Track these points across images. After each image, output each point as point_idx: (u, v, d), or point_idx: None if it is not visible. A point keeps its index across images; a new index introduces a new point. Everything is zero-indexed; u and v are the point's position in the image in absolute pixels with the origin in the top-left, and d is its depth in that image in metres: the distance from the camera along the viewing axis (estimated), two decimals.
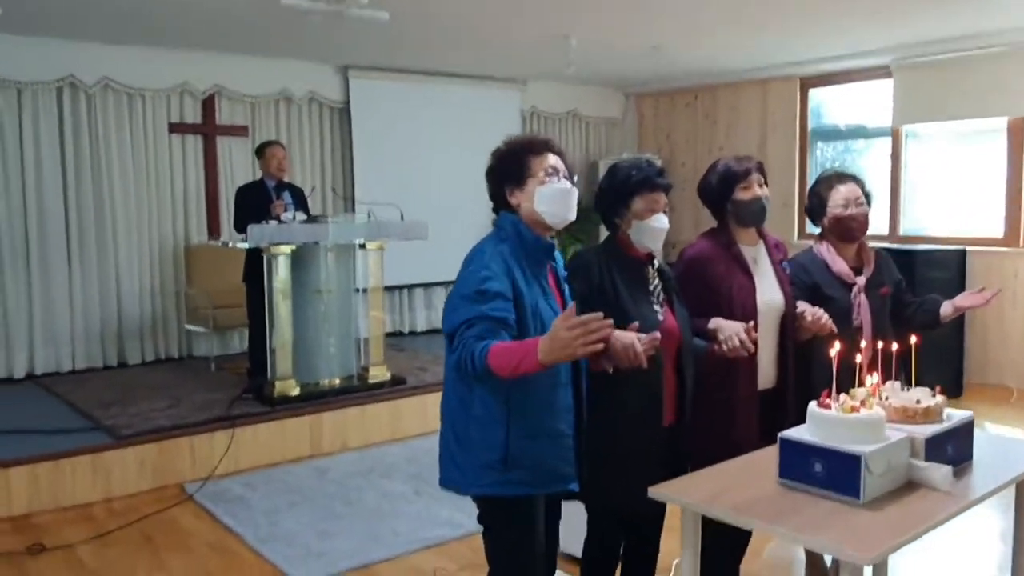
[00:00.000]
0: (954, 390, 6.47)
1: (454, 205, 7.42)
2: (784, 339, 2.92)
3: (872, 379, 2.44)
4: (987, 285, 6.38)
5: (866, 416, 2.20)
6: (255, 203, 5.74)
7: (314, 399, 5.39)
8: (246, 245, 5.40)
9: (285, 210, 5.67)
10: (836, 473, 2.17)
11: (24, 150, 6.23)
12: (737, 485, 2.28)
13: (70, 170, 6.40)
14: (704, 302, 2.82)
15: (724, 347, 2.64)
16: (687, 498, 2.20)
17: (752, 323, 2.66)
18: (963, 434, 2.43)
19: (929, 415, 2.36)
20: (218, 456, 4.78)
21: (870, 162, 7.76)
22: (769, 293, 2.89)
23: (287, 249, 5.31)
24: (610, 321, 2.00)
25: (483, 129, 7.41)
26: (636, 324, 2.35)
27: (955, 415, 2.44)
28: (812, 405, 2.27)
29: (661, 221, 2.62)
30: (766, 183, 2.96)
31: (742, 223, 2.91)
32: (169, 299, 6.90)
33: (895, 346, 2.59)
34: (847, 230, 3.07)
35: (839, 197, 3.08)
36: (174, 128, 6.81)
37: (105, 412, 5.11)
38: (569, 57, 6.44)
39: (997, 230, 6.87)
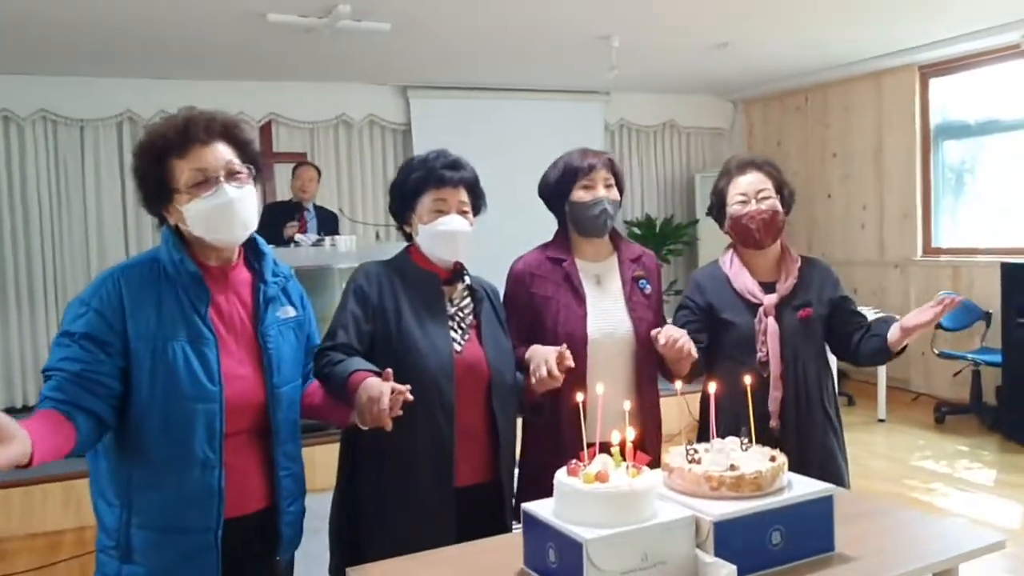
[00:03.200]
0: None
1: (526, 224, 6.97)
2: (641, 377, 2.26)
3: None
4: None
5: (604, 489, 1.55)
6: (275, 223, 5.64)
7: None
8: None
9: (303, 231, 5.52)
10: (566, 565, 1.55)
11: (86, 186, 6.51)
12: (480, 570, 1.70)
13: (128, 204, 6.59)
14: (530, 327, 2.25)
15: (532, 378, 2.06)
16: None
17: (564, 346, 2.05)
18: (806, 515, 1.69)
19: (744, 486, 1.66)
20: None
21: (1009, 162, 6.48)
22: (609, 320, 2.26)
23: None
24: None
25: (563, 146, 6.89)
26: (389, 372, 1.81)
27: (804, 487, 1.72)
28: (559, 472, 1.65)
29: (449, 223, 2.09)
30: (619, 186, 2.34)
31: (581, 230, 2.32)
32: None
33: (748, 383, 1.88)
34: (745, 233, 2.37)
35: (736, 191, 2.38)
36: None
37: None
38: (612, 60, 5.86)
39: None
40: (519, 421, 2.23)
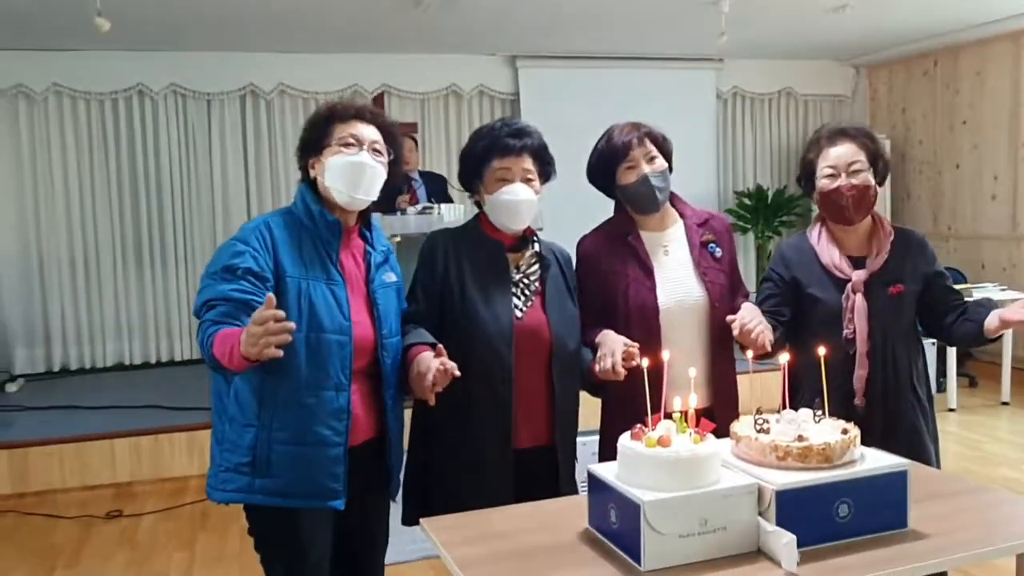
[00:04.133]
0: None
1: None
2: (714, 344, 2.25)
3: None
4: None
5: (666, 454, 1.58)
6: (384, 195, 5.82)
7: None
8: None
9: (415, 202, 5.67)
10: (626, 526, 1.60)
11: (212, 155, 6.89)
12: (543, 527, 1.77)
13: (251, 172, 6.96)
14: (603, 304, 2.26)
15: (596, 365, 2.09)
16: (440, 535, 1.74)
17: (635, 345, 2.04)
18: (877, 489, 1.66)
19: (812, 457, 1.65)
20: None
21: None
22: (680, 288, 2.24)
23: (394, 242, 5.27)
24: (291, 325, 1.66)
25: (673, 115, 6.77)
26: (441, 348, 1.97)
27: (876, 461, 1.70)
28: (623, 436, 1.69)
29: (513, 192, 2.13)
30: (664, 154, 2.28)
31: (636, 209, 2.30)
32: None
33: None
34: (835, 208, 2.29)
35: (826, 164, 2.31)
36: None
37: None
38: (722, 25, 5.70)
39: None
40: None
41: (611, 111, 7.29)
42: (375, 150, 2.02)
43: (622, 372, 2.00)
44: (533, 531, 1.73)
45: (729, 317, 2.14)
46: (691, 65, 7.77)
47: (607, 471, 1.68)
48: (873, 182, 2.28)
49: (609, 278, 2.26)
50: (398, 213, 5.53)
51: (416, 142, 6.28)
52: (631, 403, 2.07)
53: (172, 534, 3.97)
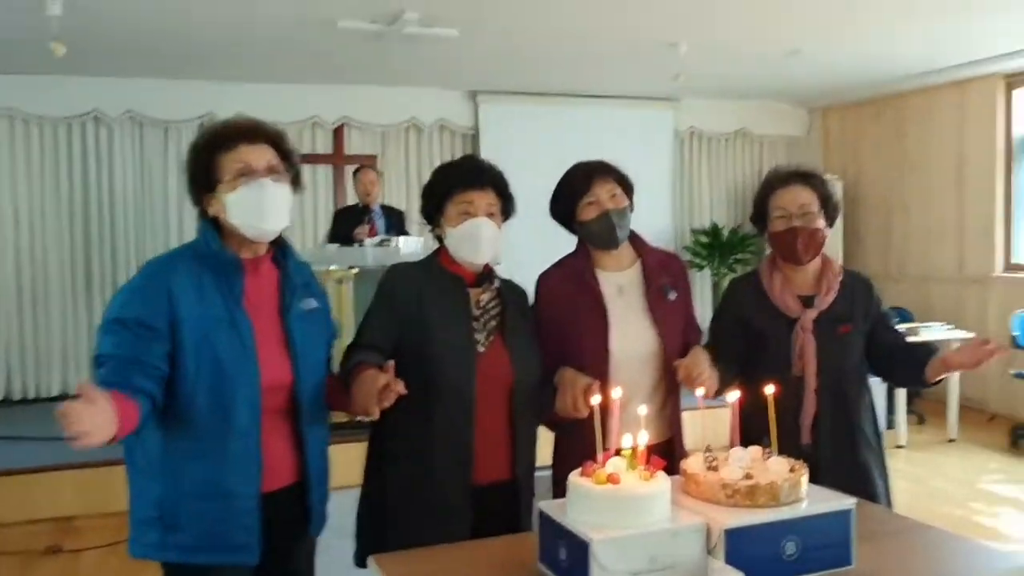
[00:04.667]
0: None
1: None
2: (664, 385, 2.27)
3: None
4: None
5: (615, 491, 1.58)
6: (345, 226, 5.81)
7: None
8: (327, 267, 5.44)
9: (373, 234, 5.66)
10: (575, 564, 1.58)
11: (168, 182, 6.82)
12: (494, 565, 1.75)
13: None
14: (559, 343, 2.26)
15: (557, 403, 2.11)
16: (389, 573, 1.71)
17: (595, 383, 2.04)
18: (823, 528, 1.68)
19: (759, 495, 1.66)
20: None
21: None
22: (632, 333, 2.25)
23: (348, 273, 5.26)
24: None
25: (632, 152, 6.80)
26: (390, 364, 1.93)
27: (822, 500, 1.71)
28: (573, 474, 1.68)
29: (476, 226, 2.13)
30: (627, 191, 2.30)
31: (595, 245, 2.31)
32: None
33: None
34: (785, 249, 2.34)
35: (778, 205, 2.36)
36: (305, 159, 7.09)
37: None
38: (679, 66, 5.83)
39: None
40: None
41: (570, 148, 7.35)
42: (272, 170, 1.87)
43: (584, 411, 2.00)
44: (484, 569, 1.72)
45: (676, 363, 2.16)
46: (649, 104, 7.91)
47: (557, 509, 1.67)
48: (823, 225, 2.34)
49: (565, 319, 2.25)
50: (356, 245, 5.53)
51: (379, 174, 6.28)
52: (581, 440, 2.08)
53: (116, 571, 3.85)
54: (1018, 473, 5.25)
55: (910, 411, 6.06)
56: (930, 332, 5.69)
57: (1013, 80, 6.64)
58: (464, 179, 2.16)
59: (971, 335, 5.85)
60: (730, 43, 5.87)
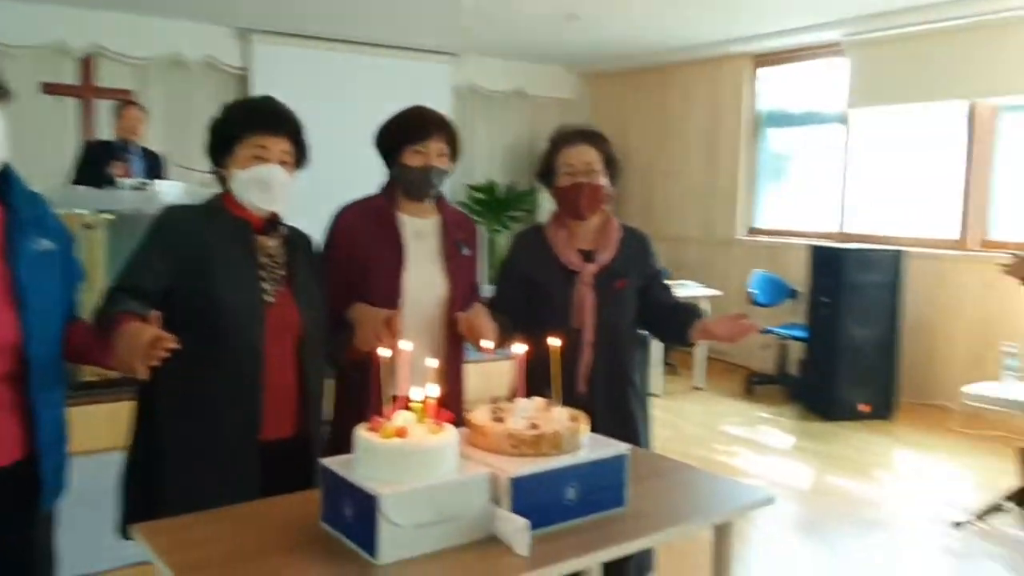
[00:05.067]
0: (883, 411, 5.70)
1: (361, 181, 6.83)
2: (451, 337, 2.30)
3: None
4: (931, 291, 5.55)
5: (403, 445, 1.56)
6: (96, 162, 5.27)
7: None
8: (73, 210, 4.91)
9: (128, 175, 5.18)
10: (361, 520, 1.55)
11: None
12: (274, 526, 1.67)
13: None
14: (351, 279, 2.23)
15: (356, 339, 2.07)
16: (156, 541, 1.59)
17: (396, 313, 2.06)
18: (601, 473, 1.77)
19: (543, 445, 1.71)
20: None
21: (821, 152, 6.97)
22: (425, 278, 2.28)
23: (99, 218, 4.78)
24: None
25: (408, 103, 6.81)
26: (155, 315, 1.73)
27: (601, 447, 1.80)
28: (359, 428, 1.64)
29: (266, 171, 2.02)
30: (454, 156, 2.35)
31: (405, 191, 2.33)
32: None
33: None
34: (571, 206, 2.44)
35: (564, 162, 2.44)
36: (49, 89, 6.35)
37: None
38: (461, 20, 5.82)
39: (953, 231, 6.08)
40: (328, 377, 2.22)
41: (345, 96, 7.30)
42: None
43: (388, 342, 1.94)
44: (262, 532, 1.64)
45: (456, 314, 2.23)
46: (428, 58, 7.84)
47: (341, 465, 1.63)
48: (605, 183, 2.44)
49: (361, 254, 2.25)
50: (107, 186, 5.01)
51: (145, 111, 5.73)
52: (366, 394, 2.04)
53: None
54: (752, 417, 5.87)
55: (664, 362, 6.57)
56: (683, 289, 6.17)
57: (760, 59, 7.28)
58: (261, 122, 2.03)
59: (719, 293, 6.44)
60: (509, 2, 5.94)
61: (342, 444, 2.08)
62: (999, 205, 5.86)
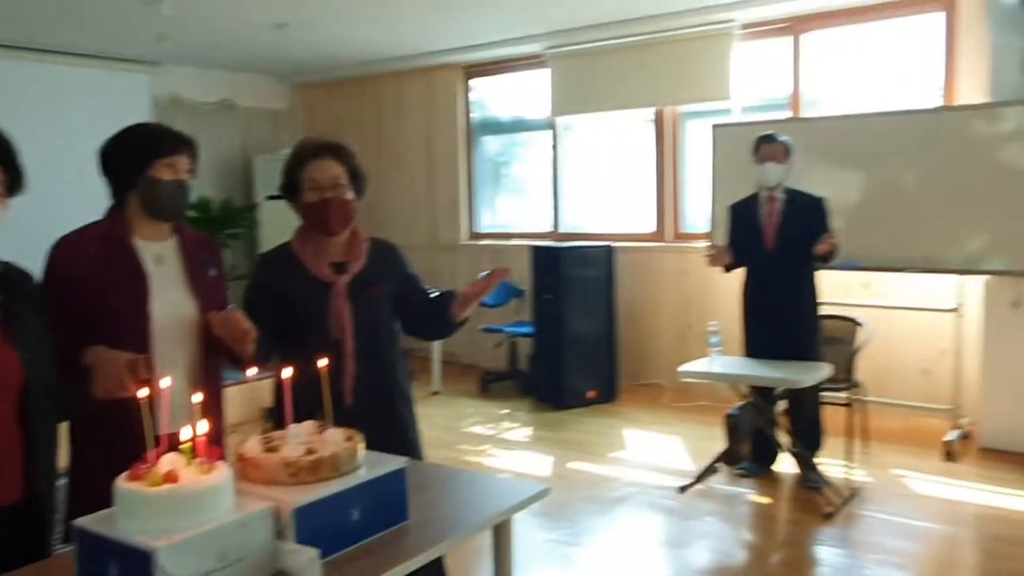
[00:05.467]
0: (608, 395, 6.18)
1: (60, 202, 6.13)
2: (208, 364, 2.17)
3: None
4: (638, 281, 6.03)
5: (175, 491, 1.44)
6: None
7: None
8: None
9: None
10: None
11: None
12: None
13: None
14: (84, 315, 2.00)
15: (97, 386, 1.85)
16: None
17: (144, 357, 1.88)
18: (382, 490, 1.75)
19: (323, 469, 1.66)
20: None
21: (534, 157, 7.42)
22: (172, 301, 2.14)
23: None
24: None
25: (102, 117, 6.08)
26: None
27: (378, 464, 1.78)
28: (120, 479, 1.49)
29: None
30: (193, 172, 2.23)
31: (151, 209, 2.15)
32: None
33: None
34: (320, 222, 2.39)
35: (309, 177, 2.39)
36: None
37: None
38: (164, 28, 5.43)
39: (651, 225, 6.73)
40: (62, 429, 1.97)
41: (33, 108, 6.50)
42: None
43: (131, 389, 1.77)
44: None
45: (210, 314, 2.11)
46: (124, 67, 7.21)
47: (100, 522, 1.47)
48: (352, 197, 2.41)
49: (92, 284, 2.04)
50: None
51: None
52: (122, 440, 1.84)
53: None
54: (491, 414, 6.10)
55: None
56: None
57: (470, 70, 7.56)
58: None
59: None
60: (214, 8, 5.64)
61: (87, 500, 1.87)
62: (689, 200, 6.59)
